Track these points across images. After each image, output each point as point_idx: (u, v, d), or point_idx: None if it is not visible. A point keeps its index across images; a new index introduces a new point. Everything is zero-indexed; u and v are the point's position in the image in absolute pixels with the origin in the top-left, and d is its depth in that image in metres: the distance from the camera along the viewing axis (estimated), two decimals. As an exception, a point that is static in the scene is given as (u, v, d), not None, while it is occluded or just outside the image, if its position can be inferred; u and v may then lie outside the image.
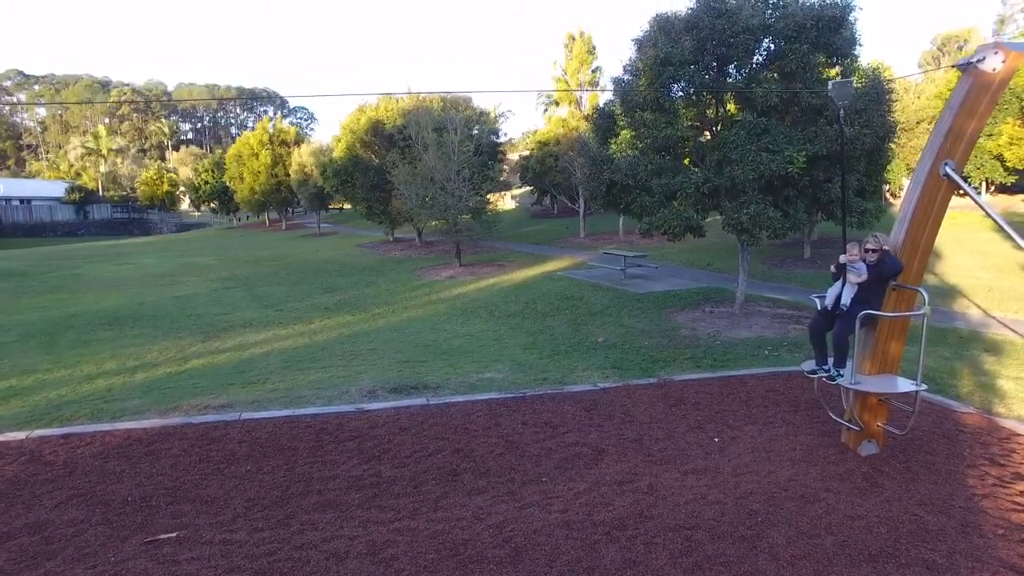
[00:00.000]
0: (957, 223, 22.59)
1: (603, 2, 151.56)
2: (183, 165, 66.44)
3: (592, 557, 4.39)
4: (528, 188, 35.30)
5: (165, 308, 15.61)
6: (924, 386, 5.65)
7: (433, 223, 20.01)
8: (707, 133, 9.70)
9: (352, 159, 22.72)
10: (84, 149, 62.28)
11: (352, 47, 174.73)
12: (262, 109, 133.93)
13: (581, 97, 23.48)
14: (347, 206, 39.91)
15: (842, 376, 5.65)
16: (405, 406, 7.64)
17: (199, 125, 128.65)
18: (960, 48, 44.67)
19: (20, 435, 7.07)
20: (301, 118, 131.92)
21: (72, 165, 61.81)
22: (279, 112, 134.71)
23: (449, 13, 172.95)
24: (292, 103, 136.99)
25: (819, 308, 5.95)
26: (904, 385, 5.66)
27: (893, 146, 11.62)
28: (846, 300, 5.59)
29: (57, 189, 53.74)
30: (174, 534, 4.89)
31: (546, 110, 40.88)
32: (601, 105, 12.25)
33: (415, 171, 18.05)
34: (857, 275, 5.49)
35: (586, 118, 17.32)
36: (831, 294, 5.81)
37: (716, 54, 9.17)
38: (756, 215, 9.22)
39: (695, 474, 5.75)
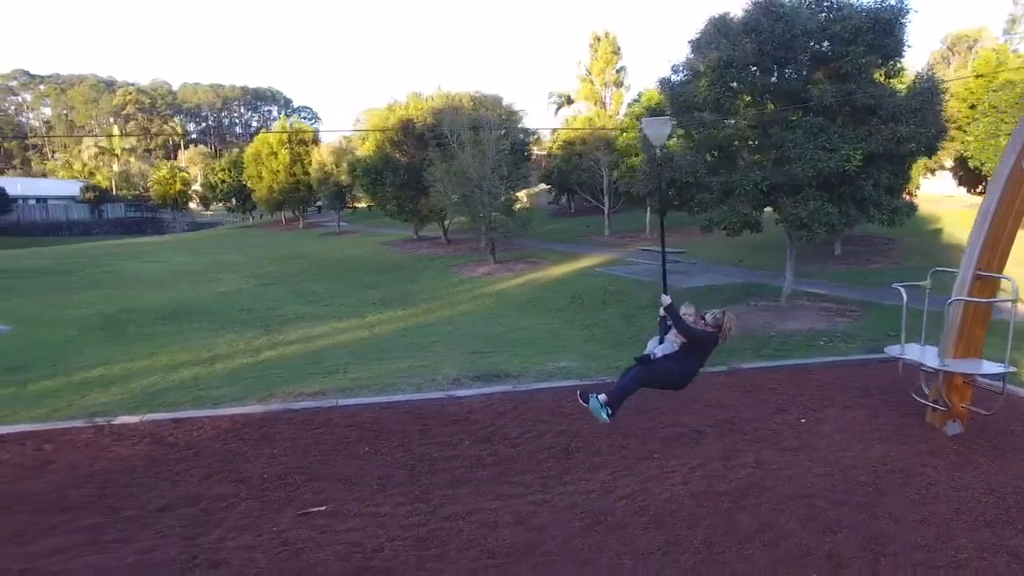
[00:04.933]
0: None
1: (604, 3, 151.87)
2: (192, 164, 66.77)
3: (728, 522, 4.75)
4: (545, 187, 35.65)
5: (214, 304, 15.94)
6: (1013, 368, 6.01)
7: (464, 220, 20.35)
8: (762, 132, 10.04)
9: (383, 158, 23.06)
10: (98, 148, 62.73)
11: (353, 47, 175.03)
12: (266, 109, 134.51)
13: (606, 97, 23.87)
14: (361, 204, 40.28)
15: (607, 417, 5.06)
16: (493, 392, 7.98)
17: (203, 125, 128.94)
18: (970, 48, 45.04)
19: (134, 419, 7.42)
20: (305, 117, 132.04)
21: (86, 164, 62.22)
22: (283, 111, 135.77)
23: (450, 13, 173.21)
24: (296, 103, 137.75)
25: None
26: (992, 367, 6.02)
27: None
28: (658, 351, 5.29)
29: (72, 188, 54.11)
30: (323, 507, 5.23)
31: (558, 109, 41.25)
32: (635, 104, 12.58)
33: (452, 169, 18.39)
34: (670, 345, 5.24)
35: (637, 118, 17.70)
36: (653, 342, 5.53)
37: (774, 56, 9.54)
38: (815, 211, 9.59)
39: (793, 451, 6.10)
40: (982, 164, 23.15)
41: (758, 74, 9.27)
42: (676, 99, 11.62)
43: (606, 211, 25.15)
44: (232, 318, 13.93)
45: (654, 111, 12.65)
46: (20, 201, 48.25)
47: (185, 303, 16.04)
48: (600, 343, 10.69)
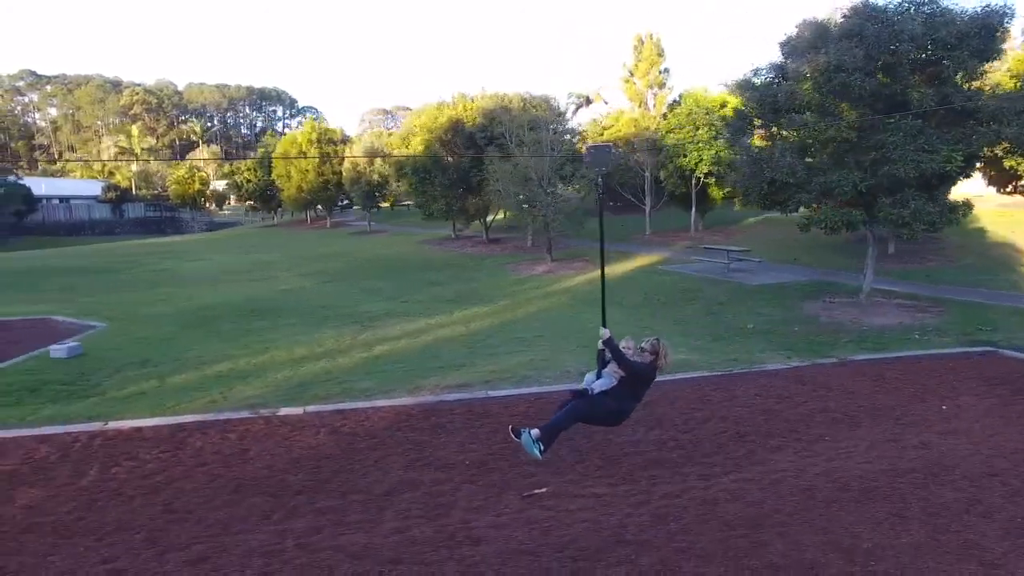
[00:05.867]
0: None
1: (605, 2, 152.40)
2: (206, 164, 66.95)
3: (935, 496, 5.13)
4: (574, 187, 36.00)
5: (287, 301, 16.27)
6: None
7: (513, 217, 20.69)
8: (860, 135, 10.41)
9: (432, 158, 23.40)
10: (118, 148, 62.90)
11: (355, 48, 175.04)
12: (271, 109, 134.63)
13: (650, 98, 24.28)
14: (384, 205, 40.64)
15: (539, 454, 4.91)
16: (631, 383, 8.35)
17: (209, 126, 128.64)
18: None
19: (297, 410, 7.79)
20: (310, 117, 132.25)
21: (105, 164, 62.44)
22: (288, 111, 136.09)
23: (454, 13, 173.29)
24: (301, 103, 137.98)
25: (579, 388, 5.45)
26: None
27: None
28: (596, 386, 5.12)
29: (94, 188, 54.39)
30: (544, 490, 5.59)
31: (577, 109, 41.63)
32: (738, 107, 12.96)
33: (514, 169, 18.76)
34: (608, 380, 5.07)
35: (723, 119, 18.08)
36: (591, 376, 5.42)
37: (880, 61, 9.93)
38: (916, 211, 10.00)
39: (951, 435, 6.50)
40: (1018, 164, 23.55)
41: (864, 78, 9.64)
42: (762, 100, 12.01)
43: (647, 210, 25.55)
44: (317, 315, 14.26)
45: (740, 114, 12.96)
46: (44, 201, 48.49)
47: (259, 301, 16.37)
48: (697, 337, 11.06)
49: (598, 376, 5.19)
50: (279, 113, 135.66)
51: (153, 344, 11.87)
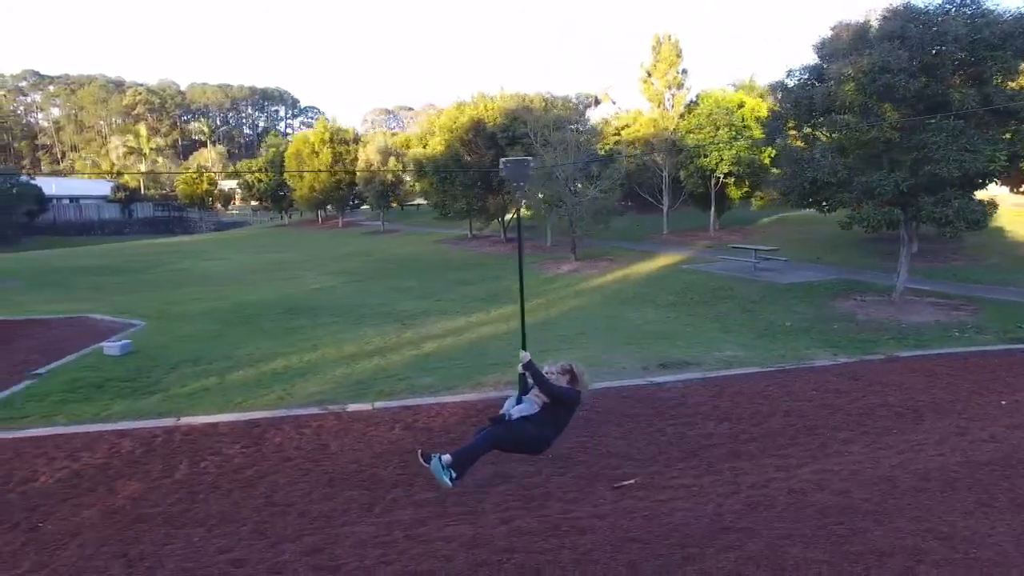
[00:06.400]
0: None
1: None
2: (214, 164, 67.06)
3: (1019, 487, 5.30)
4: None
5: (322, 300, 16.42)
6: None
7: (536, 215, 20.84)
8: (902, 135, 10.61)
9: (454, 157, 23.56)
10: (126, 148, 63.02)
11: (357, 48, 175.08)
12: (273, 109, 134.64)
13: (668, 99, 24.46)
14: (393, 204, 40.74)
15: (450, 482, 4.49)
16: (689, 380, 8.55)
17: (213, 126, 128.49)
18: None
19: (366, 406, 7.97)
20: (312, 117, 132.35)
21: (114, 164, 62.58)
22: (291, 111, 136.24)
23: (455, 13, 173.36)
24: (304, 103, 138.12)
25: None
26: None
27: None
28: (515, 411, 4.83)
29: (103, 188, 54.59)
30: (631, 481, 5.77)
31: (585, 110, 41.80)
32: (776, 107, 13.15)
33: (540, 169, 18.94)
34: (529, 406, 4.79)
35: (758, 119, 18.29)
36: (510, 401, 5.15)
37: (923, 62, 10.12)
38: (960, 209, 10.20)
39: (1018, 429, 6.67)
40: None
41: (908, 79, 9.83)
42: (798, 102, 12.20)
43: (665, 210, 25.74)
44: (355, 314, 14.42)
45: (775, 115, 13.14)
46: (54, 201, 48.62)
47: (293, 299, 16.53)
48: (739, 334, 11.25)
49: (518, 402, 4.90)
50: (281, 113, 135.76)
51: (200, 342, 12.02)
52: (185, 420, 7.78)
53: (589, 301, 15.12)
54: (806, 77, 12.40)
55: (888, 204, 10.86)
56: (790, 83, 12.89)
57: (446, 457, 4.46)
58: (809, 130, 12.38)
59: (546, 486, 5.75)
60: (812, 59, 12.13)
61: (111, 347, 10.91)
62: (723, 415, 7.22)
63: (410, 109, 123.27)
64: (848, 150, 11.14)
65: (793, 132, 13.06)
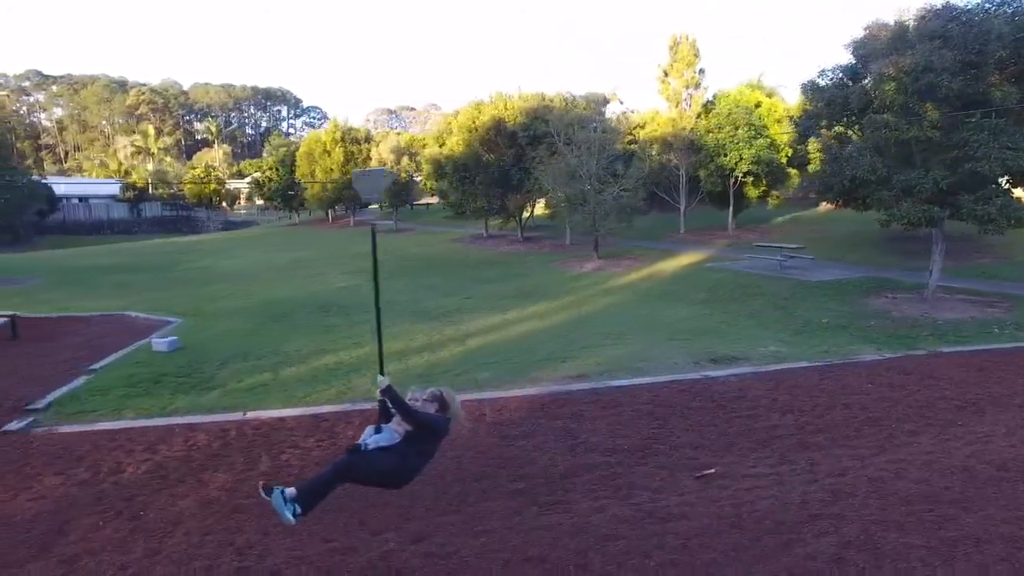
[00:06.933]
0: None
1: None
2: (219, 164, 67.20)
3: (1097, 476, 5.46)
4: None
5: (349, 298, 16.51)
6: None
7: (560, 213, 20.95)
8: (942, 134, 10.75)
9: (474, 156, 23.68)
10: (134, 148, 63.12)
11: (359, 47, 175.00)
12: (276, 108, 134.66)
13: (685, 98, 24.63)
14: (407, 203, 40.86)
15: (293, 518, 3.96)
16: (743, 373, 8.71)
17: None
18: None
19: (430, 400, 8.07)
20: (315, 117, 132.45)
21: (121, 164, 62.65)
22: (293, 111, 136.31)
23: (457, 14, 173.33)
24: (306, 103, 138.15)
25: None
26: None
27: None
28: (371, 441, 4.38)
29: (112, 187, 54.60)
30: (712, 470, 5.92)
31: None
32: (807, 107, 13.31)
33: (566, 169, 19.08)
34: (389, 435, 4.37)
35: (790, 119, 18.45)
36: (369, 431, 4.69)
37: (966, 61, 10.28)
38: (1003, 207, 10.37)
39: (1081, 421, 6.83)
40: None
41: (951, 79, 9.99)
42: (831, 101, 12.35)
43: (682, 209, 25.91)
44: (388, 311, 14.38)
45: (808, 114, 13.29)
46: (64, 200, 48.67)
47: (322, 297, 16.64)
48: (777, 331, 11.39)
49: (377, 430, 4.49)
50: (284, 113, 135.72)
51: (243, 338, 12.14)
52: (252, 414, 7.91)
53: (622, 298, 15.25)
54: (840, 76, 12.56)
55: (927, 202, 11.01)
56: (822, 82, 13.04)
57: (290, 490, 4.01)
58: (841, 129, 12.53)
59: (630, 475, 5.90)
60: (846, 58, 12.32)
61: (159, 343, 11.04)
62: (784, 408, 7.37)
63: (412, 109, 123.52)
64: (884, 149, 11.30)
65: (825, 131, 13.21)
